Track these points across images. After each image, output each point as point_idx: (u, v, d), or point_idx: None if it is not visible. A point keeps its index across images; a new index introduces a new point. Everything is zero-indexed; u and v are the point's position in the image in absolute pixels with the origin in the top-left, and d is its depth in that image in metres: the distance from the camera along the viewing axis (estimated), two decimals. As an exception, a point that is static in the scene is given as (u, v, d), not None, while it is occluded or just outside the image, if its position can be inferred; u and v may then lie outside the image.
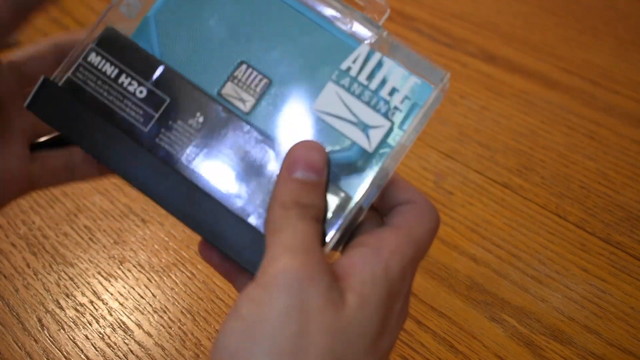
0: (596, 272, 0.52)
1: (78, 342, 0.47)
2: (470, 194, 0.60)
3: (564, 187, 0.60)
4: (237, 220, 0.32)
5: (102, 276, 0.51)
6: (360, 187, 0.32)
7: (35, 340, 0.47)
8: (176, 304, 0.49)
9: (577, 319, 0.49)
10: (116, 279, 0.51)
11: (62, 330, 0.48)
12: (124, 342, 0.47)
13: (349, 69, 0.33)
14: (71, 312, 0.49)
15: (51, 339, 0.47)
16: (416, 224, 0.32)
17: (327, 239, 0.31)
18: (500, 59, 0.80)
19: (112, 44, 0.35)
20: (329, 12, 0.34)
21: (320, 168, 0.31)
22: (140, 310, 0.49)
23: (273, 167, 0.33)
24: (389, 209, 0.33)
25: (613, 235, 0.56)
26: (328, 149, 0.32)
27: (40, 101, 0.34)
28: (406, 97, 0.32)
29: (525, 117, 0.70)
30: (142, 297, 0.50)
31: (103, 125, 0.34)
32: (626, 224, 0.57)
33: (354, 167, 0.32)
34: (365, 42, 0.33)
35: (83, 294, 0.50)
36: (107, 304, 0.49)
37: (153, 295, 0.50)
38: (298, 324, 0.28)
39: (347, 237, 0.32)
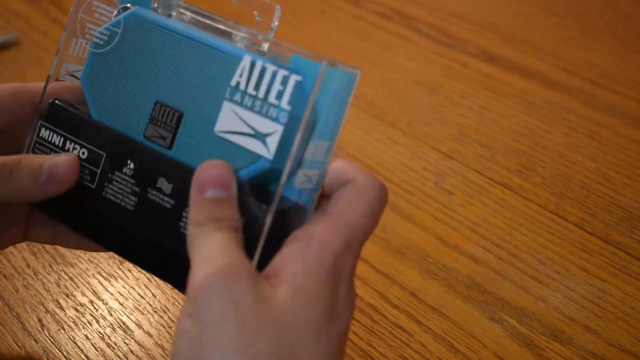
0: (596, 272, 0.52)
1: (78, 342, 0.47)
2: (470, 194, 0.60)
3: (564, 187, 0.61)
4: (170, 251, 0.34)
5: (102, 276, 0.51)
6: (275, 195, 0.32)
7: (35, 340, 0.47)
8: (176, 304, 0.49)
9: (577, 319, 0.49)
10: (116, 279, 0.51)
11: (62, 330, 0.48)
12: (124, 342, 0.47)
13: (238, 83, 0.34)
14: (71, 312, 0.49)
15: (51, 339, 0.47)
16: (347, 207, 0.33)
17: (254, 255, 0.32)
18: (500, 59, 0.80)
19: (55, 115, 0.39)
20: (217, 30, 0.37)
21: (226, 183, 0.33)
22: (140, 310, 0.49)
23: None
24: (330, 195, 0.34)
25: (613, 236, 0.56)
26: (238, 166, 0.34)
27: None
28: (291, 96, 0.33)
29: (525, 117, 0.70)
30: (142, 297, 0.50)
31: (62, 193, 0.37)
32: (626, 224, 0.57)
33: (267, 177, 0.34)
34: (248, 52, 0.35)
35: (83, 294, 0.50)
36: (107, 304, 0.49)
37: (153, 295, 0.50)
38: (236, 323, 0.28)
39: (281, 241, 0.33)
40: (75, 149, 0.38)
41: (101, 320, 0.48)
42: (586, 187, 0.61)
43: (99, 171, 0.37)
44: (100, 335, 0.47)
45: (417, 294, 0.51)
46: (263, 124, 0.33)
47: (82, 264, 0.52)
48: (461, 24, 0.87)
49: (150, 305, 0.49)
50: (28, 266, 0.52)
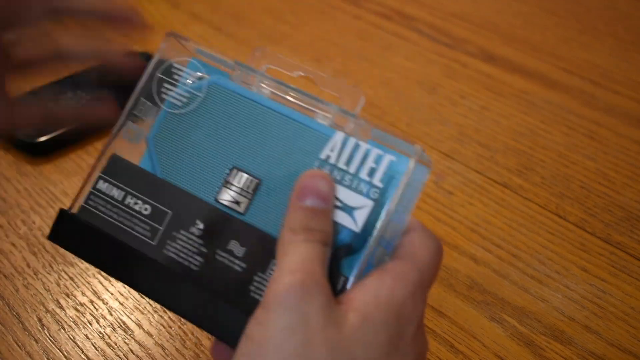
0: (596, 272, 0.52)
1: (78, 342, 0.47)
2: (470, 194, 0.60)
3: (564, 187, 0.61)
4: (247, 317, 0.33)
5: (102, 276, 0.51)
6: (356, 267, 0.33)
7: (36, 340, 0.47)
8: (176, 303, 0.49)
9: (577, 319, 0.49)
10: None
11: (62, 330, 0.48)
12: (124, 342, 0.47)
13: (328, 157, 0.35)
14: (71, 312, 0.49)
15: (51, 338, 0.47)
16: (417, 251, 0.34)
17: None
18: (500, 59, 0.80)
19: (117, 170, 0.38)
20: (305, 107, 0.37)
21: (327, 196, 0.33)
22: (140, 310, 0.49)
23: (273, 260, 0.34)
24: None
25: (613, 235, 0.56)
26: None
27: (60, 232, 0.38)
28: (384, 175, 0.35)
29: (525, 117, 0.70)
30: (142, 296, 0.50)
31: (117, 246, 0.37)
32: (626, 224, 0.57)
33: (348, 250, 0.34)
34: (340, 129, 0.36)
35: (83, 294, 0.50)
36: (107, 303, 0.49)
37: (153, 295, 0.50)
38: (301, 338, 0.29)
39: None
40: (137, 204, 0.37)
41: (101, 320, 0.48)
42: (586, 187, 0.61)
43: (162, 229, 0.36)
44: (101, 335, 0.47)
45: (417, 293, 0.51)
46: (352, 198, 0.34)
47: (82, 263, 0.52)
48: (461, 24, 0.87)
49: (150, 304, 0.49)
50: (28, 266, 0.52)
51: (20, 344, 0.47)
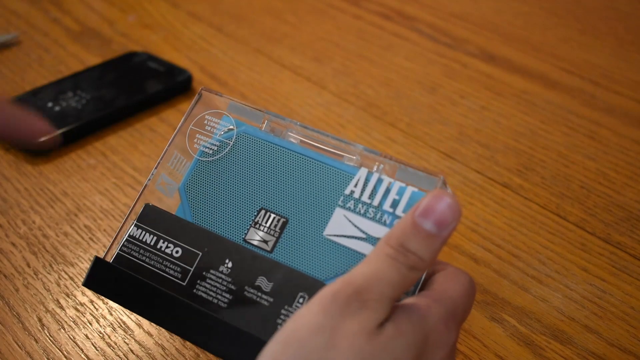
0: (596, 272, 0.52)
1: (78, 342, 0.47)
2: (470, 193, 0.60)
3: (564, 187, 0.61)
4: None
5: (102, 276, 0.51)
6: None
7: (36, 340, 0.47)
8: (176, 303, 0.49)
9: (578, 319, 0.49)
10: (116, 279, 0.51)
11: (62, 329, 0.48)
12: (124, 342, 0.47)
13: (352, 192, 0.37)
14: (71, 312, 0.49)
15: (51, 338, 0.47)
16: (448, 285, 0.34)
17: None
18: (500, 59, 0.80)
19: (150, 218, 0.40)
20: (332, 152, 0.40)
21: (447, 223, 0.31)
22: (140, 310, 0.49)
23: (300, 293, 0.36)
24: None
25: (613, 235, 0.56)
26: (344, 267, 0.36)
27: (95, 279, 0.40)
28: (407, 205, 0.36)
29: (525, 117, 0.70)
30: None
31: (149, 289, 0.38)
32: (626, 224, 0.57)
33: None
34: (363, 167, 0.38)
35: (83, 294, 0.50)
36: (107, 303, 0.49)
37: (153, 294, 0.50)
38: (326, 339, 0.29)
39: None
40: (169, 247, 0.39)
41: (101, 320, 0.48)
42: (586, 187, 0.61)
43: (192, 269, 0.38)
44: (101, 335, 0.47)
45: (417, 293, 0.51)
46: (375, 229, 0.36)
47: (82, 263, 0.52)
48: (461, 24, 0.87)
49: (150, 304, 0.49)
50: (28, 265, 0.52)
51: (20, 343, 0.47)
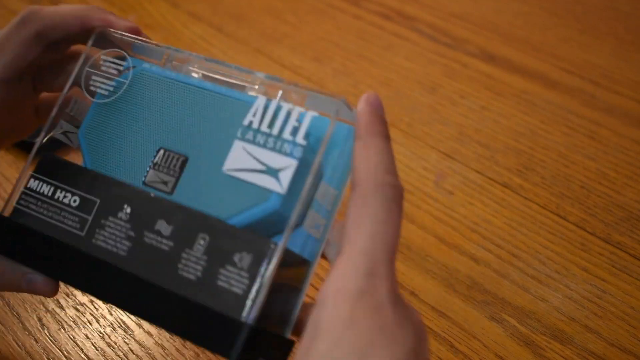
0: (596, 272, 0.52)
1: (78, 342, 0.47)
2: (471, 193, 0.60)
3: (564, 187, 0.61)
4: (186, 300, 0.32)
5: (102, 276, 0.51)
6: (285, 231, 0.32)
7: (36, 340, 0.47)
8: (176, 303, 0.49)
9: (578, 319, 0.49)
10: (116, 279, 0.51)
11: (62, 329, 0.48)
12: (124, 342, 0.47)
13: (250, 123, 0.35)
14: (71, 312, 0.49)
15: (51, 338, 0.47)
16: (355, 234, 0.31)
17: (257, 298, 0.31)
18: (500, 59, 0.80)
19: (49, 167, 0.38)
20: (235, 83, 0.37)
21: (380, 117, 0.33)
22: (140, 310, 0.49)
23: (200, 234, 0.33)
24: None
25: (613, 235, 0.56)
26: (247, 205, 0.33)
27: None
28: (307, 133, 0.33)
29: (525, 117, 0.70)
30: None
31: (48, 243, 0.36)
32: (626, 224, 0.57)
33: (278, 218, 0.33)
34: (261, 95, 0.35)
35: (83, 293, 0.50)
36: (107, 303, 0.49)
37: (153, 294, 0.50)
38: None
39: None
40: (66, 197, 0.37)
41: (101, 320, 0.48)
42: (586, 187, 0.61)
43: (90, 218, 0.36)
44: (101, 335, 0.47)
45: (417, 293, 0.51)
46: (276, 160, 0.33)
47: (82, 263, 0.52)
48: (461, 24, 0.87)
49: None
50: (28, 266, 0.52)
51: (20, 343, 0.47)
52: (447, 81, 0.76)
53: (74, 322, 0.48)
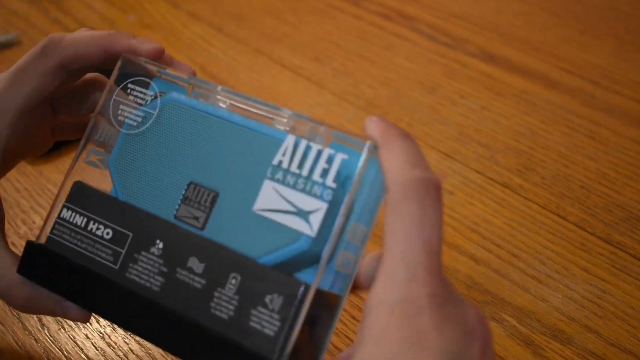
0: (596, 272, 0.52)
1: (78, 342, 0.47)
2: (471, 193, 0.60)
3: (564, 187, 0.61)
4: (222, 341, 0.32)
5: (102, 276, 0.51)
6: (316, 273, 0.32)
7: (36, 340, 0.47)
8: (176, 303, 0.49)
9: (578, 319, 0.49)
10: (116, 279, 0.51)
11: (62, 329, 0.48)
12: (124, 342, 0.47)
13: (280, 162, 0.34)
14: (71, 312, 0.49)
15: (51, 338, 0.47)
16: (388, 255, 0.31)
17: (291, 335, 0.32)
18: (500, 59, 0.80)
19: (81, 197, 0.38)
20: (262, 115, 0.36)
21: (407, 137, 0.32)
22: (140, 310, 0.49)
23: (232, 274, 0.33)
24: None
25: (613, 235, 0.56)
26: (276, 245, 0.34)
27: (28, 264, 0.38)
28: (337, 174, 0.33)
29: (525, 117, 0.70)
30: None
31: (82, 274, 0.36)
32: (626, 224, 0.57)
33: (308, 256, 0.33)
34: (293, 133, 0.35)
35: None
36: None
37: (153, 294, 0.50)
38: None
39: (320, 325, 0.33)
40: (99, 229, 0.37)
41: (101, 320, 0.48)
42: (586, 187, 0.61)
43: (123, 252, 0.36)
44: (101, 335, 0.47)
45: (417, 293, 0.51)
46: (306, 202, 0.33)
47: (82, 263, 0.52)
48: (461, 24, 0.87)
49: (150, 304, 0.49)
50: (28, 266, 0.52)
51: (20, 343, 0.47)
52: (447, 81, 0.76)
53: (74, 322, 0.48)
